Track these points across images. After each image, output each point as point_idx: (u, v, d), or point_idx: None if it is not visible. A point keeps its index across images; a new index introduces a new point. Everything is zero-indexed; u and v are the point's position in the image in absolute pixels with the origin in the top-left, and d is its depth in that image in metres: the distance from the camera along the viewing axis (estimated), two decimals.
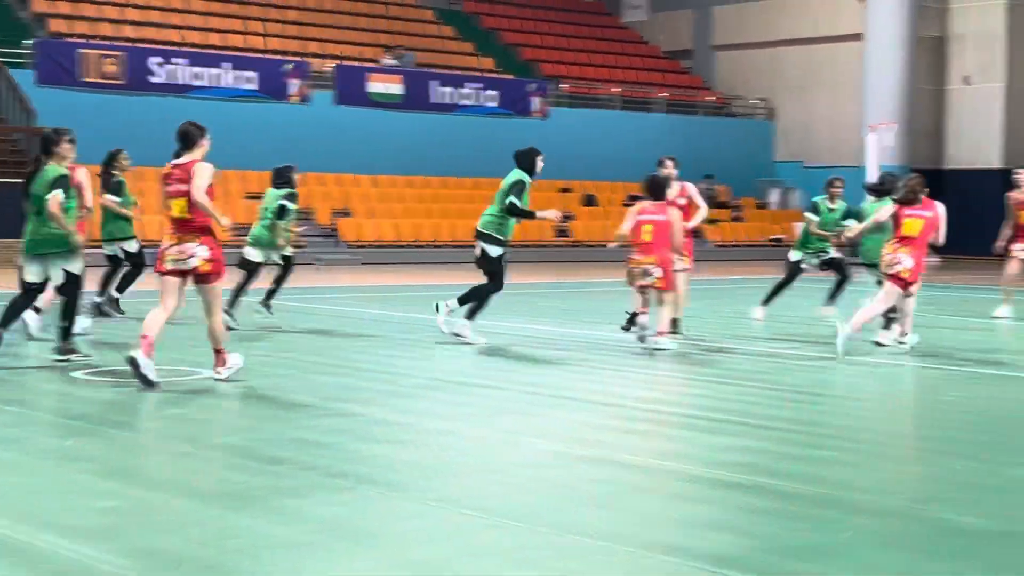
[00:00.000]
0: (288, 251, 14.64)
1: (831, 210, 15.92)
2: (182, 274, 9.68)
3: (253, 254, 14.49)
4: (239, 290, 14.28)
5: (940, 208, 12.47)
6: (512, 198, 12.48)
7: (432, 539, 5.61)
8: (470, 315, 12.89)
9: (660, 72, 41.64)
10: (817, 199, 16.09)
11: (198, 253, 9.62)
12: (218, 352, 9.85)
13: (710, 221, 36.19)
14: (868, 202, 14.68)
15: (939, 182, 37.93)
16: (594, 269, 29.25)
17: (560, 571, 5.21)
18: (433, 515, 5.99)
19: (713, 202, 37.69)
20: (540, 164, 12.77)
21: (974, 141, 37.50)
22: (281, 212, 14.38)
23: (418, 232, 31.70)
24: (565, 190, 35.72)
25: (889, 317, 13.21)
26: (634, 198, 15.69)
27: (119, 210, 14.79)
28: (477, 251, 12.73)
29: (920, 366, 12.11)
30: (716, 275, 27.81)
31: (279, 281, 14.69)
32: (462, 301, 12.81)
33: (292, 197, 14.51)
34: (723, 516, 6.10)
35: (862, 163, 34.82)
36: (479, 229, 12.73)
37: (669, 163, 14.08)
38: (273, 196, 14.56)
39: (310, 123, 32.54)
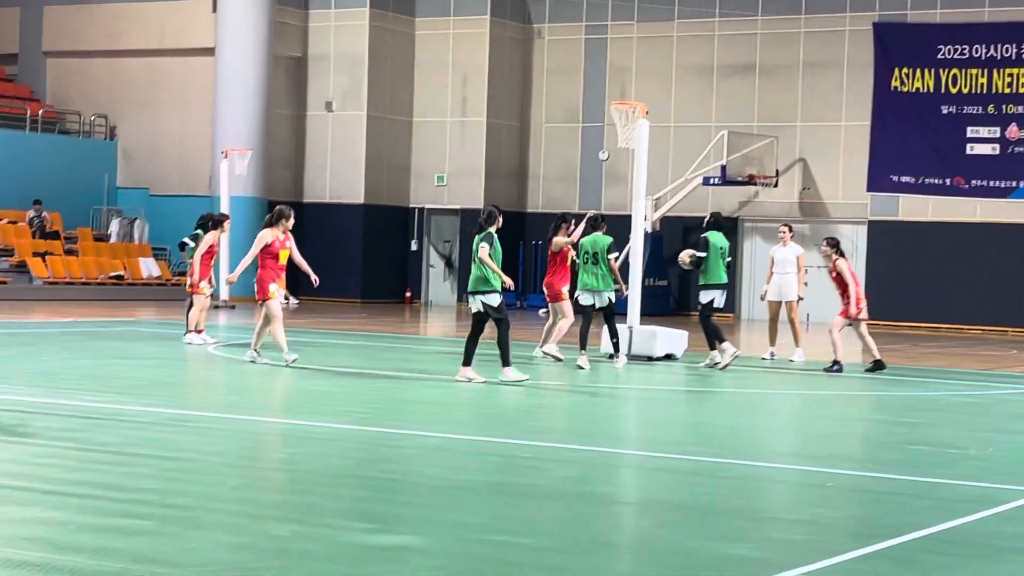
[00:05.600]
0: None
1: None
2: None
3: None
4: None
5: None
6: None
7: None
8: None
9: None
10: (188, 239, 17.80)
11: None
12: None
13: (40, 254, 35.24)
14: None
15: (298, 216, 39.13)
16: None
17: None
18: None
19: (44, 232, 36.69)
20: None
21: (336, 173, 39.04)
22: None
23: None
24: None
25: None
26: None
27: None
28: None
29: (259, 419, 12.41)
30: (44, 317, 27.10)
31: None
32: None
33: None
34: None
35: (216, 192, 35.28)
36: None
37: None
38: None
39: None
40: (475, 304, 16.22)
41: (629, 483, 10.16)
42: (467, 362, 16.21)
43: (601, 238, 19.22)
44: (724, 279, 19.75)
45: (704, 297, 19.69)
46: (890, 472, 10.66)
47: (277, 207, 17.99)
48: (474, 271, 16.25)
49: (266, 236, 17.40)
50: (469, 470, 10.18)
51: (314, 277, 18.26)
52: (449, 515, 8.32)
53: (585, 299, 19.16)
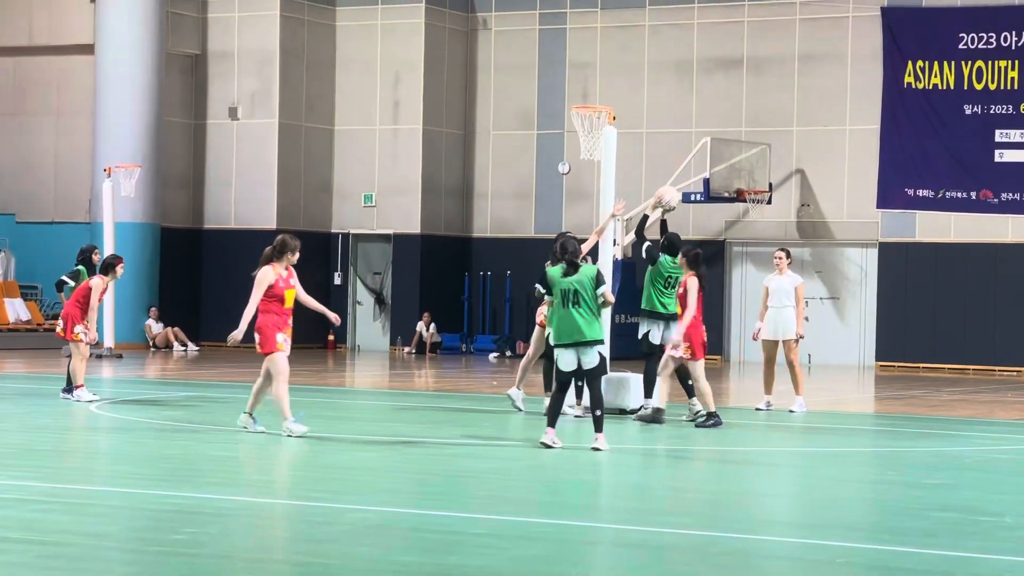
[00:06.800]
0: None
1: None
2: None
3: None
4: None
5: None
6: None
7: None
8: None
9: None
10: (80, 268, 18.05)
11: None
12: None
13: None
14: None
15: (198, 243, 39.04)
16: None
17: None
18: None
19: None
20: None
21: (243, 193, 38.85)
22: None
23: None
24: None
25: None
26: None
27: None
28: None
29: (153, 493, 12.34)
30: None
31: None
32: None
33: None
34: None
35: (97, 218, 35.12)
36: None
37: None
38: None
39: None
40: (582, 359, 15.90)
41: (601, 563, 10.15)
42: (552, 423, 16.09)
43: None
44: (665, 308, 19.68)
45: (640, 328, 19.90)
46: (910, 544, 10.69)
47: (279, 237, 17.13)
48: (576, 319, 15.82)
49: (268, 275, 16.65)
50: (408, 550, 10.15)
51: (333, 317, 17.51)
52: None
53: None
